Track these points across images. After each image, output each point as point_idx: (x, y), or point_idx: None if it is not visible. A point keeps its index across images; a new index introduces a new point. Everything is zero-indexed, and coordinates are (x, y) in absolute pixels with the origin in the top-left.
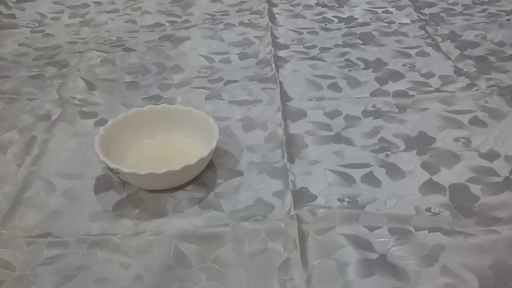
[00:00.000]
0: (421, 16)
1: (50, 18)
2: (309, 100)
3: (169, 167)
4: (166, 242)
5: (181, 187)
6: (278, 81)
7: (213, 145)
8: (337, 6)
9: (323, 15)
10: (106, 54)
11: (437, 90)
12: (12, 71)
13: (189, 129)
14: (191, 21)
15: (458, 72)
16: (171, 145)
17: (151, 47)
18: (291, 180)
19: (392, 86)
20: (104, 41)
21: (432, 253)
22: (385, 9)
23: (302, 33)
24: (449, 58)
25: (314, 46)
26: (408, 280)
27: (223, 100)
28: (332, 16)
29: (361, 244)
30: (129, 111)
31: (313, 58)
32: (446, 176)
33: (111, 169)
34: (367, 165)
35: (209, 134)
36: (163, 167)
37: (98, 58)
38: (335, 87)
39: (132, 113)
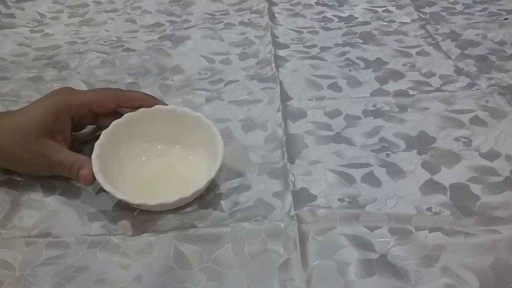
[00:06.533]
0: (421, 15)
1: (50, 18)
2: (309, 99)
3: (164, 192)
4: (166, 243)
5: None
6: (278, 80)
7: (212, 174)
8: (337, 5)
9: (323, 14)
10: (106, 55)
11: (438, 89)
12: (12, 72)
13: (192, 140)
14: (191, 21)
15: (458, 71)
16: (169, 164)
17: (151, 47)
18: (291, 181)
19: (392, 86)
20: (104, 41)
21: (433, 253)
22: (385, 8)
23: (302, 32)
24: (449, 58)
25: (314, 46)
26: (409, 280)
27: (223, 100)
28: (332, 15)
29: (362, 244)
30: (119, 119)
31: (313, 57)
32: (447, 176)
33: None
34: (367, 165)
35: (213, 153)
36: (159, 192)
37: (98, 60)
38: (335, 86)
39: (123, 120)
